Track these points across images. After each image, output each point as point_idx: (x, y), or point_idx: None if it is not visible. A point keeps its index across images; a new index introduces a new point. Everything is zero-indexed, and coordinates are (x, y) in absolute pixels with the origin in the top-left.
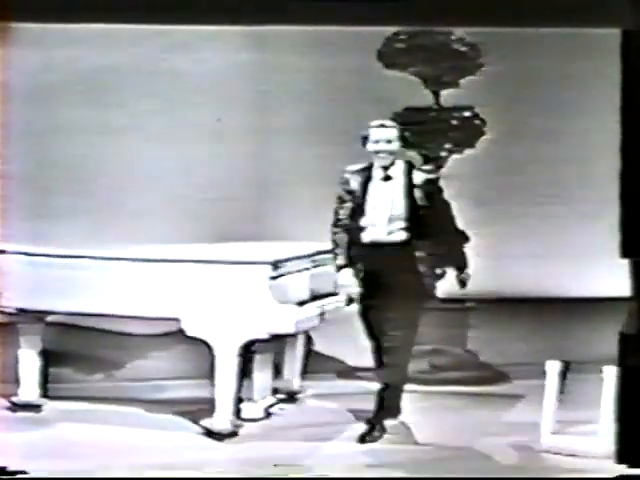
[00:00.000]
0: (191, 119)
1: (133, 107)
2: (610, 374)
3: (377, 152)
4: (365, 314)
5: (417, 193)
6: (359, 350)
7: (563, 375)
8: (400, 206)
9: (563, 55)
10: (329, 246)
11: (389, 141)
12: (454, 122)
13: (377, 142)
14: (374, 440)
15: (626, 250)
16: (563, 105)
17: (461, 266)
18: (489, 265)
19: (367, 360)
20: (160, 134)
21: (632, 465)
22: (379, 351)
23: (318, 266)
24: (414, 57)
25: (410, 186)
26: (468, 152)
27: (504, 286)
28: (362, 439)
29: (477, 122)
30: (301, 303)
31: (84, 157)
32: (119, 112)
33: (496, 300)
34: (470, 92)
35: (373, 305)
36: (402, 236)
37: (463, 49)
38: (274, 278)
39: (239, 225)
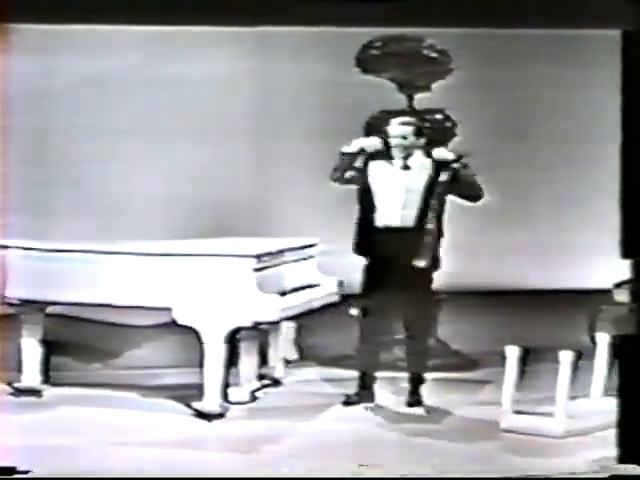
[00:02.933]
0: (191, 119)
1: (133, 108)
2: (565, 358)
3: (394, 146)
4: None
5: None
6: (338, 340)
7: (523, 360)
8: (415, 195)
9: (558, 57)
10: (313, 240)
11: (404, 137)
12: (426, 124)
13: (394, 138)
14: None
15: (627, 251)
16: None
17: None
18: (460, 259)
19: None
20: (160, 134)
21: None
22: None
23: (302, 259)
24: (388, 63)
25: (432, 178)
26: None
27: (474, 279)
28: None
29: (448, 124)
30: (284, 294)
31: (84, 154)
32: (119, 112)
33: (467, 292)
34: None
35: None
36: (412, 222)
37: (433, 55)
38: (258, 270)
39: (238, 222)
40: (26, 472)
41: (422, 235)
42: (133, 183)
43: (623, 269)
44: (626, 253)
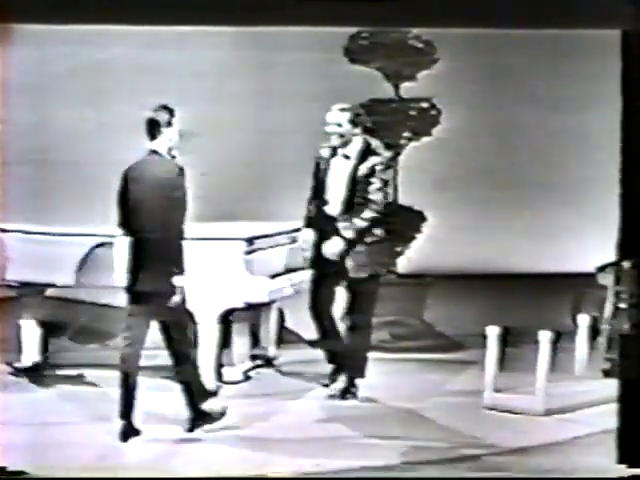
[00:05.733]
0: (189, 115)
1: (131, 103)
2: (544, 338)
3: (329, 134)
4: (316, 289)
5: (362, 170)
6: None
7: (504, 340)
8: (346, 182)
9: (557, 54)
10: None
11: (339, 124)
12: (412, 112)
13: (329, 125)
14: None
15: (626, 252)
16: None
17: None
18: (445, 244)
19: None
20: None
21: (632, 465)
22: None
23: (292, 242)
24: (375, 53)
25: (358, 165)
26: (425, 140)
27: (459, 262)
28: (343, 395)
29: (433, 112)
30: (275, 276)
31: (83, 144)
32: (118, 107)
33: (452, 275)
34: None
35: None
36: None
37: (419, 45)
38: (248, 253)
39: (237, 207)
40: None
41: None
42: None
43: (606, 253)
44: (623, 241)
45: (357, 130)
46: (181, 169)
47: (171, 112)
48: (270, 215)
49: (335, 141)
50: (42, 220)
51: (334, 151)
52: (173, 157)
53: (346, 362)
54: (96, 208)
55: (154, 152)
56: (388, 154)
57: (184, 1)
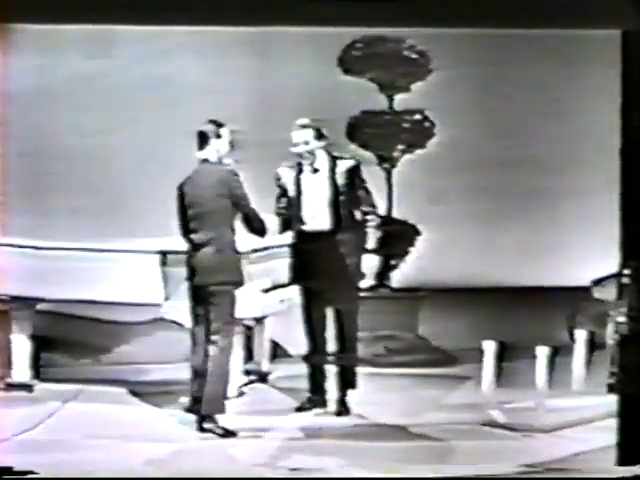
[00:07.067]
0: (188, 117)
1: (132, 106)
2: (542, 353)
3: (298, 154)
4: (306, 304)
5: (340, 180)
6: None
7: (500, 355)
8: (327, 195)
9: (556, 57)
10: (288, 240)
11: (306, 142)
12: (406, 125)
13: (296, 145)
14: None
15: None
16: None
17: None
18: (440, 257)
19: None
20: (159, 133)
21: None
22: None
23: (280, 257)
24: (369, 64)
25: (333, 175)
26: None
27: (455, 276)
28: (338, 413)
29: (427, 125)
30: (267, 290)
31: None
32: (119, 111)
33: (448, 290)
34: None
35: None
36: (327, 224)
37: (414, 56)
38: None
39: None
40: (25, 473)
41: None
42: (129, 181)
43: (602, 267)
44: (625, 252)
45: (322, 143)
46: (234, 173)
47: (220, 125)
48: None
49: (306, 160)
50: (35, 234)
51: (299, 167)
52: (227, 166)
53: (337, 376)
54: (89, 222)
55: (205, 160)
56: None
57: (184, 1)
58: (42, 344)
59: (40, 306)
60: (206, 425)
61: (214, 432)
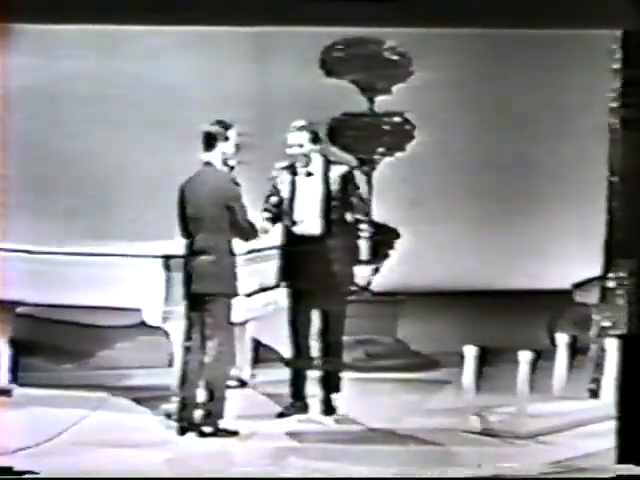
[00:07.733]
0: (187, 119)
1: (132, 106)
2: (524, 358)
3: (292, 156)
4: (293, 308)
5: (333, 185)
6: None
7: (481, 360)
8: (319, 200)
9: (556, 57)
10: (276, 242)
11: (301, 145)
12: (386, 127)
13: (291, 147)
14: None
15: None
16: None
17: None
18: (420, 261)
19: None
20: (158, 134)
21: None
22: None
23: (266, 260)
24: (351, 65)
25: (327, 180)
26: (399, 155)
27: (434, 280)
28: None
29: (407, 127)
30: (250, 295)
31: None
32: (119, 111)
33: (427, 293)
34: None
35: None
36: (318, 229)
37: (394, 58)
38: None
39: None
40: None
41: (328, 241)
42: (126, 185)
43: (583, 270)
44: (607, 256)
45: (317, 147)
46: (234, 181)
47: (227, 127)
48: None
49: (300, 162)
50: (26, 238)
51: (293, 170)
52: (232, 168)
53: (322, 380)
54: (78, 225)
55: (208, 164)
56: (351, 161)
57: (184, 2)
58: (22, 348)
59: (20, 310)
60: (206, 429)
61: (216, 435)
